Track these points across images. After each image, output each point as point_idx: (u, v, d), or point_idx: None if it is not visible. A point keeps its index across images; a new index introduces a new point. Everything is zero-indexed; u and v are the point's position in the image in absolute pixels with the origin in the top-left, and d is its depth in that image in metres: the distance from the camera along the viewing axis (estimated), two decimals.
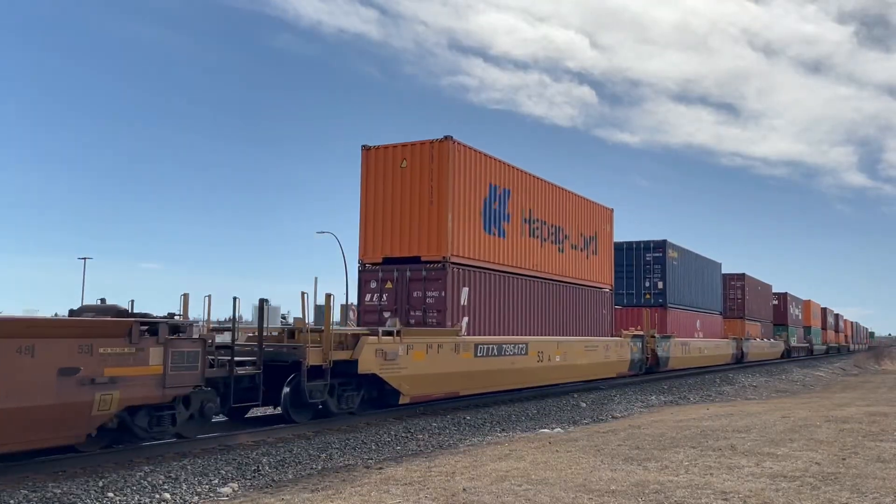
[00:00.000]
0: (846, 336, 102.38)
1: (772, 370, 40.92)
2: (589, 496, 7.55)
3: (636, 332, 26.97)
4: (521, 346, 18.60)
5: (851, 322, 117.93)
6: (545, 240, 20.71)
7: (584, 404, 19.65)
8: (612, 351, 24.05)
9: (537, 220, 20.32)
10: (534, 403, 18.90)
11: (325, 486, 8.75)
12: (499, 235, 18.24)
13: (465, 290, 16.89)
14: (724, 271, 44.96)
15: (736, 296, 47.23)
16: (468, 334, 16.70)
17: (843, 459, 9.73)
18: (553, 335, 20.64)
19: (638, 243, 32.10)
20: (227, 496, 8.83)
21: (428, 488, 8.09)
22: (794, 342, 61.62)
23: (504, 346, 17.90)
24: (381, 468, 9.98)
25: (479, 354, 16.69)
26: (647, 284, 31.78)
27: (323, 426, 13.29)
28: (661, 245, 32.05)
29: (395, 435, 13.27)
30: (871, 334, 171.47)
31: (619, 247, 29.80)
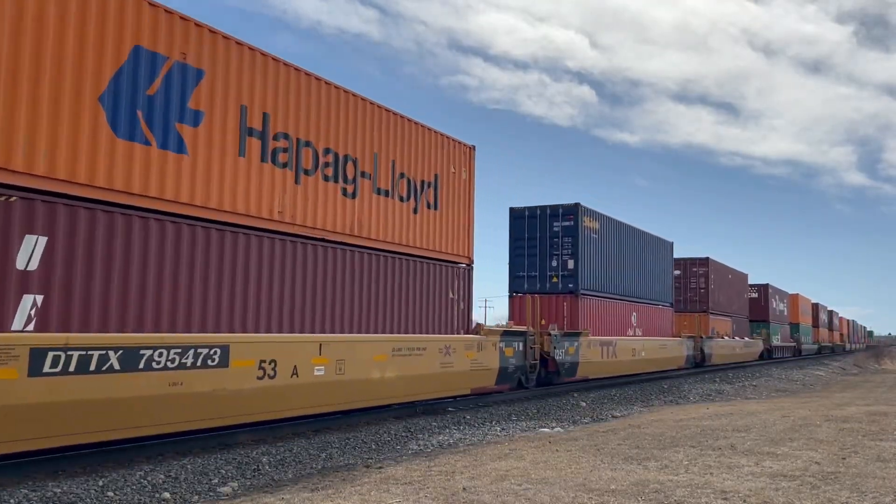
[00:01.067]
0: (842, 335, 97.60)
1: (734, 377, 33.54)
2: (589, 495, 7.55)
3: (513, 328, 19.69)
4: (201, 351, 10.11)
5: (848, 320, 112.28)
6: (311, 173, 12.76)
7: (584, 403, 19.65)
8: (458, 356, 16.09)
9: (289, 138, 12.33)
10: (534, 403, 18.91)
11: (325, 485, 8.75)
12: (161, 146, 10.18)
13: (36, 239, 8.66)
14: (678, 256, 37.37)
15: (697, 285, 40.07)
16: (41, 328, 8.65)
17: (843, 459, 9.74)
18: (322, 332, 12.85)
19: (543, 208, 24.59)
20: (227, 495, 8.84)
21: (428, 488, 8.10)
22: (776, 341, 55.27)
23: (139, 351, 9.29)
24: (381, 468, 9.98)
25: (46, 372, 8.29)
26: (555, 264, 24.20)
27: (323, 426, 13.31)
28: (573, 211, 24.05)
29: (395, 434, 13.28)
30: (870, 333, 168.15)
31: (518, 214, 24.93)
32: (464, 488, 7.98)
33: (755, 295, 53.68)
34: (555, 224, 24.10)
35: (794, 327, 64.09)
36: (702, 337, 36.84)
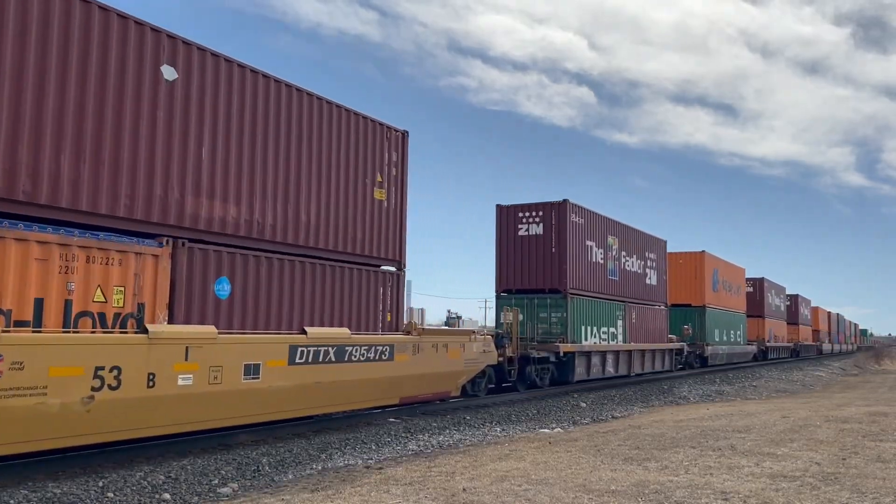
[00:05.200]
0: (816, 332, 72.57)
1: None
2: (589, 496, 7.54)
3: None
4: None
5: (830, 312, 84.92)
6: None
7: (584, 404, 19.65)
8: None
9: None
10: (534, 404, 18.91)
11: (324, 486, 8.75)
12: None
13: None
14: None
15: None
16: None
17: (844, 459, 9.73)
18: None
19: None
20: (227, 496, 8.83)
21: (428, 488, 8.09)
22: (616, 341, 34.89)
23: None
24: (381, 468, 9.98)
25: None
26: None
27: (323, 426, 13.31)
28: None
29: (395, 435, 13.28)
30: (864, 332, 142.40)
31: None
32: (464, 489, 7.98)
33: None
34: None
35: (701, 315, 36.38)
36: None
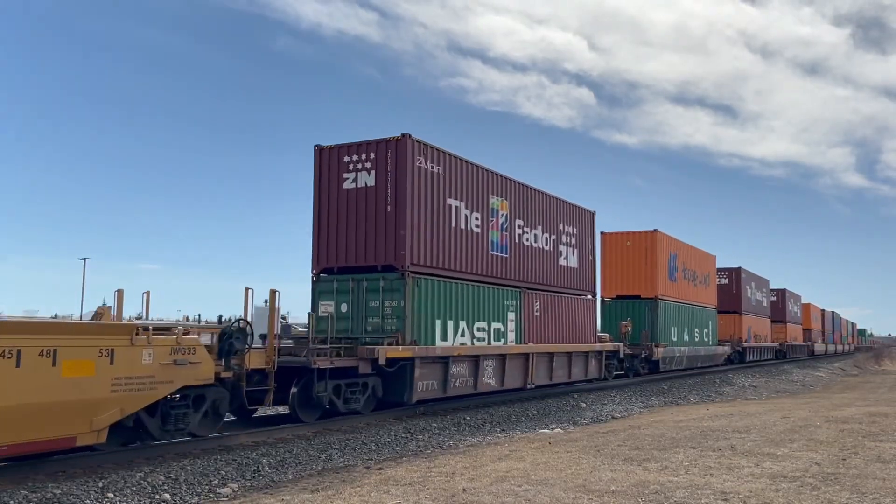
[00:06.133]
0: (808, 331, 66.73)
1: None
2: (589, 497, 7.54)
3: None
4: None
5: (826, 311, 78.22)
6: None
7: (584, 404, 19.64)
8: None
9: None
10: (534, 404, 18.88)
11: (324, 486, 8.75)
12: None
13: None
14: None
15: None
16: None
17: (843, 460, 9.73)
18: None
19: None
20: (227, 497, 8.83)
21: (428, 489, 8.09)
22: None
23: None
24: (380, 468, 9.97)
25: None
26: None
27: (323, 426, 13.29)
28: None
29: (395, 435, 13.27)
30: (862, 332, 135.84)
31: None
32: (464, 489, 7.97)
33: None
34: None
35: (652, 308, 29.65)
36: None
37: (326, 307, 15.76)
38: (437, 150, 16.49)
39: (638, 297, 29.94)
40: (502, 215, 19.03)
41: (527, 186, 20.54)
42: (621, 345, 26.36)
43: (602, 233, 30.36)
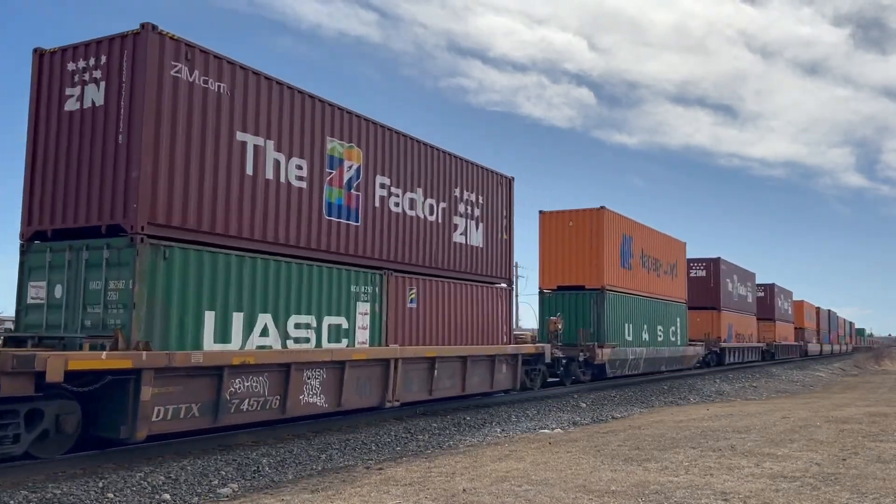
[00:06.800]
0: (800, 329, 61.45)
1: None
2: (589, 497, 7.54)
3: None
4: None
5: (821, 309, 72.98)
6: None
7: (584, 404, 19.64)
8: None
9: None
10: (534, 404, 18.88)
11: (324, 486, 8.75)
12: None
13: None
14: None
15: None
16: None
17: (844, 460, 9.73)
18: None
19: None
20: (227, 497, 8.83)
21: (428, 489, 8.09)
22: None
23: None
24: (380, 469, 9.98)
25: None
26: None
27: (323, 426, 13.30)
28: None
29: (395, 435, 13.27)
30: (861, 331, 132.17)
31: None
32: (464, 489, 7.98)
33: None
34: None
35: (599, 298, 24.74)
36: None
37: (38, 290, 10.72)
38: (219, 57, 11.22)
39: (582, 287, 24.90)
40: (350, 167, 13.69)
41: (399, 133, 15.12)
42: (547, 346, 20.79)
43: (541, 211, 26.08)
